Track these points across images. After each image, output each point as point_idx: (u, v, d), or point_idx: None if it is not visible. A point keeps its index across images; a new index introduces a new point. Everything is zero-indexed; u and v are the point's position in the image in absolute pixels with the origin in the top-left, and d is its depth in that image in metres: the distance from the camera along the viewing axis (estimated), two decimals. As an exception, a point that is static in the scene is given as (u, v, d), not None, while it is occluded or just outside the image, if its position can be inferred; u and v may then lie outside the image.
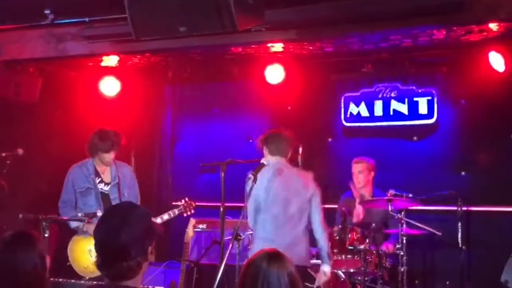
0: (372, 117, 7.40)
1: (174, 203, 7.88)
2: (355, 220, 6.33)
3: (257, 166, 5.10)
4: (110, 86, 7.81)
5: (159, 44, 5.97)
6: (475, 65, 6.67)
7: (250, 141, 8.05)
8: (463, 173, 7.03)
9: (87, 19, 6.12)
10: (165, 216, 6.08)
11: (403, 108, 7.25)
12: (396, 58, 7.00)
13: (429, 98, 7.14)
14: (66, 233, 6.10)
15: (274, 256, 2.67)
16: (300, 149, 6.36)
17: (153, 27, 5.06)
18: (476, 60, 6.60)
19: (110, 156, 6.00)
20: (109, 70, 7.70)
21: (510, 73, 6.45)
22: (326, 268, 5.21)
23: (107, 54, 6.85)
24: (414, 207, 6.14)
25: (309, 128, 7.40)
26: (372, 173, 6.68)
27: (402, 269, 5.77)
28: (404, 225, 5.87)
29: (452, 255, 6.51)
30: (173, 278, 6.73)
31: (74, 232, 5.96)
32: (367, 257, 5.73)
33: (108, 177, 6.10)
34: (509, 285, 5.06)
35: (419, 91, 7.20)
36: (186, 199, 6.31)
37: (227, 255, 4.76)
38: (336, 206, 6.81)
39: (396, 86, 7.30)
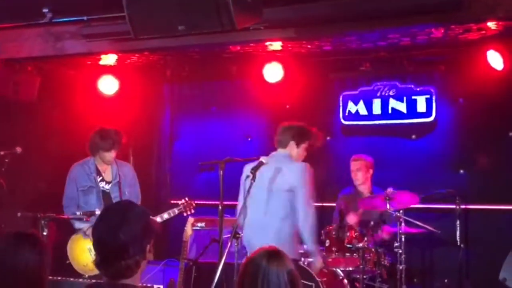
0: (370, 116, 7.40)
1: (172, 202, 7.92)
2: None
3: (256, 164, 5.11)
4: (108, 85, 7.81)
5: (157, 43, 5.97)
6: (474, 64, 6.68)
7: (249, 139, 8.06)
8: (461, 171, 7.04)
9: (85, 18, 6.11)
10: (165, 215, 6.09)
11: (402, 107, 7.26)
12: (394, 57, 7.00)
13: (428, 96, 7.14)
14: (64, 231, 6.11)
15: (273, 254, 2.67)
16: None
17: (152, 26, 5.05)
18: (475, 59, 6.61)
19: (111, 155, 6.01)
20: (107, 69, 7.69)
21: (508, 72, 6.46)
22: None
23: (106, 53, 6.85)
24: (413, 206, 6.14)
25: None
26: (371, 171, 6.69)
27: (400, 267, 5.78)
28: (403, 224, 5.87)
29: (451, 253, 6.52)
30: (171, 276, 6.73)
31: (74, 230, 5.97)
32: (366, 255, 5.73)
33: (109, 175, 6.12)
34: (507, 283, 5.07)
35: (418, 89, 7.20)
36: (186, 199, 6.31)
37: (225, 254, 4.76)
38: (334, 204, 6.82)
39: (395, 84, 7.30)
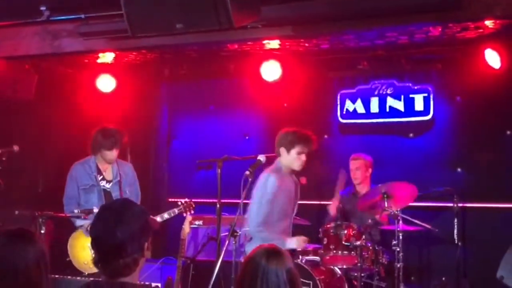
0: (368, 114, 7.41)
1: (170, 200, 7.92)
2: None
3: (254, 163, 5.11)
4: (106, 83, 7.80)
5: (155, 41, 5.97)
6: (471, 62, 6.68)
7: (247, 138, 8.06)
8: (459, 169, 7.05)
9: (83, 16, 6.10)
10: (165, 215, 6.11)
11: (399, 105, 7.26)
12: (392, 55, 7.01)
13: (425, 95, 7.15)
14: (62, 229, 6.11)
15: (273, 253, 2.67)
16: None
17: (149, 24, 5.05)
18: (472, 57, 6.61)
19: (113, 153, 6.02)
20: (105, 67, 7.68)
21: (506, 70, 6.47)
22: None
23: (103, 51, 6.84)
24: (410, 203, 6.15)
25: (305, 125, 7.29)
26: (370, 170, 6.69)
27: (398, 265, 5.78)
28: (401, 222, 5.87)
29: (448, 251, 6.52)
30: (169, 274, 6.74)
31: (73, 228, 5.97)
32: (364, 253, 5.73)
33: (109, 174, 6.12)
34: (504, 281, 5.06)
35: (415, 88, 7.21)
36: (186, 199, 6.32)
37: (223, 252, 4.76)
38: (331, 202, 6.82)
39: (392, 83, 7.31)
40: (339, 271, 5.92)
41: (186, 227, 6.13)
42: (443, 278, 6.58)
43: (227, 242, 4.87)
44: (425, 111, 7.13)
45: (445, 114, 7.16)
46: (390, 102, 7.30)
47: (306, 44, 6.71)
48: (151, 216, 2.97)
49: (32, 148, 7.09)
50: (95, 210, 5.45)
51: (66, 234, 6.02)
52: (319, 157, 7.39)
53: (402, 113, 7.25)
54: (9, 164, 6.49)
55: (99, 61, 7.38)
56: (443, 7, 5.21)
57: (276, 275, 2.61)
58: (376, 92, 7.37)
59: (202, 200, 6.86)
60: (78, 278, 5.37)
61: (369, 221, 5.98)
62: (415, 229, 6.10)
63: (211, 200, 6.03)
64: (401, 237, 5.81)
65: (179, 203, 6.27)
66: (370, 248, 5.77)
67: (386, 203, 5.88)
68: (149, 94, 8.42)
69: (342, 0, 5.48)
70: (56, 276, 5.02)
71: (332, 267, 5.91)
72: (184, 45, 6.50)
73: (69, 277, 5.28)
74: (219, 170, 5.14)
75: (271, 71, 7.28)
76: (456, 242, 6.40)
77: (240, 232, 5.28)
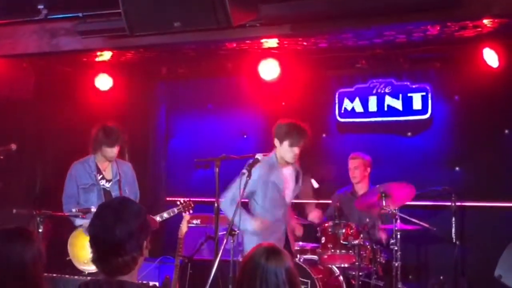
0: (366, 113, 7.41)
1: (168, 199, 7.92)
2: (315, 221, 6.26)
3: (252, 162, 5.11)
4: (104, 82, 7.79)
5: (153, 40, 5.95)
6: (469, 61, 6.68)
7: (245, 136, 8.05)
8: (457, 168, 7.05)
9: (81, 14, 6.09)
10: (165, 215, 6.14)
11: (397, 104, 7.26)
12: (390, 54, 7.00)
13: (423, 93, 7.15)
14: (60, 228, 6.10)
15: (272, 252, 2.67)
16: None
17: (147, 22, 5.05)
18: (470, 56, 6.61)
19: (114, 150, 6.03)
20: (103, 66, 7.67)
21: (504, 69, 6.47)
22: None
23: (101, 50, 6.83)
24: (408, 202, 6.15)
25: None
26: (368, 169, 6.69)
27: (396, 264, 5.78)
28: (398, 221, 5.88)
29: (446, 250, 6.53)
30: (167, 273, 6.73)
31: (72, 227, 5.96)
32: (362, 252, 5.74)
33: (109, 174, 6.13)
34: (502, 280, 5.07)
35: (413, 86, 7.21)
36: (185, 199, 6.32)
37: (221, 251, 4.76)
38: (329, 201, 6.83)
39: (391, 81, 7.31)
40: (337, 270, 5.93)
41: (184, 226, 6.13)
42: (441, 277, 6.58)
43: (225, 241, 4.87)
44: (423, 110, 7.13)
45: (443, 113, 7.16)
46: (388, 101, 7.29)
47: (305, 43, 6.70)
48: (150, 215, 2.97)
49: (30, 147, 7.08)
50: (93, 209, 5.45)
51: (64, 233, 6.01)
52: (317, 155, 7.42)
53: (400, 112, 7.25)
54: (6, 163, 6.48)
55: (97, 59, 7.37)
56: (441, 6, 5.21)
57: (275, 274, 2.60)
58: (374, 91, 7.37)
59: (200, 199, 6.85)
60: (76, 277, 5.38)
61: (367, 220, 5.98)
62: (413, 228, 6.10)
63: (209, 199, 6.03)
64: (399, 236, 5.81)
65: (178, 202, 6.28)
66: (368, 247, 5.78)
67: (384, 202, 5.89)
68: (147, 93, 8.41)
69: (341, -1, 5.48)
70: (54, 275, 5.03)
71: (330, 266, 5.92)
72: (182, 43, 6.49)
73: (67, 276, 5.29)
74: (217, 169, 5.14)
75: (269, 69, 7.27)
76: (454, 241, 6.40)
77: (238, 231, 5.27)
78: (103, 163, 6.12)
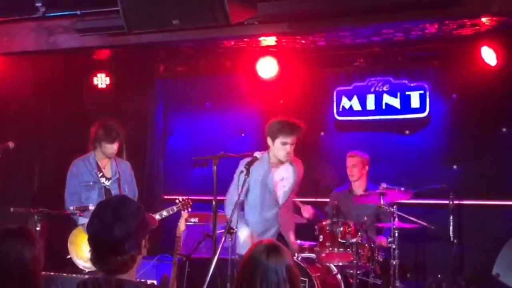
0: (364, 111, 7.40)
1: (166, 197, 7.91)
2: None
3: (250, 160, 5.10)
4: (101, 80, 7.78)
5: (151, 38, 5.95)
6: (467, 59, 6.68)
7: (243, 135, 8.05)
8: (455, 166, 7.05)
9: (78, 12, 6.09)
10: (164, 213, 6.12)
11: (395, 102, 7.26)
12: (388, 52, 7.01)
13: (421, 92, 7.14)
14: (58, 227, 6.09)
15: (272, 249, 2.66)
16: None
17: (145, 20, 5.04)
18: (468, 54, 6.62)
19: (113, 147, 6.02)
20: (101, 63, 7.66)
21: (502, 67, 6.47)
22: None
23: (99, 48, 6.82)
24: (406, 201, 6.15)
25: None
26: (367, 167, 6.68)
27: (394, 263, 5.78)
28: (396, 219, 5.88)
29: (444, 248, 6.52)
30: (165, 272, 6.73)
31: (72, 226, 5.95)
32: (359, 251, 5.74)
33: (109, 172, 6.12)
34: (500, 278, 5.08)
35: (411, 85, 7.20)
36: (184, 197, 6.31)
37: (219, 249, 4.75)
38: (328, 199, 6.83)
39: (389, 80, 7.30)
40: (335, 269, 5.93)
41: (182, 225, 6.12)
42: (439, 275, 6.58)
43: (223, 239, 4.85)
44: (421, 108, 7.13)
45: (441, 111, 7.16)
46: (386, 99, 7.29)
47: (303, 41, 6.70)
48: (150, 214, 2.97)
49: (28, 145, 7.07)
50: (91, 207, 5.44)
51: (61, 231, 6.00)
52: (315, 154, 7.42)
53: (398, 110, 7.24)
54: (4, 161, 6.48)
55: (95, 57, 7.36)
56: (439, 4, 5.21)
57: (275, 272, 2.59)
58: (372, 89, 7.36)
59: (198, 197, 6.84)
60: (74, 275, 5.37)
61: (365, 218, 5.99)
62: (411, 227, 6.10)
63: (207, 197, 6.02)
64: (396, 234, 5.82)
65: (177, 200, 6.27)
66: (366, 245, 5.78)
67: (382, 200, 5.90)
68: (145, 91, 8.40)
69: (339, -3, 5.48)
70: (52, 273, 5.02)
71: (328, 264, 5.92)
72: (180, 41, 6.49)
73: (64, 274, 5.28)
74: (215, 167, 5.13)
75: (267, 68, 7.27)
76: (451, 239, 6.40)
77: (236, 229, 5.26)
78: (103, 160, 6.11)
